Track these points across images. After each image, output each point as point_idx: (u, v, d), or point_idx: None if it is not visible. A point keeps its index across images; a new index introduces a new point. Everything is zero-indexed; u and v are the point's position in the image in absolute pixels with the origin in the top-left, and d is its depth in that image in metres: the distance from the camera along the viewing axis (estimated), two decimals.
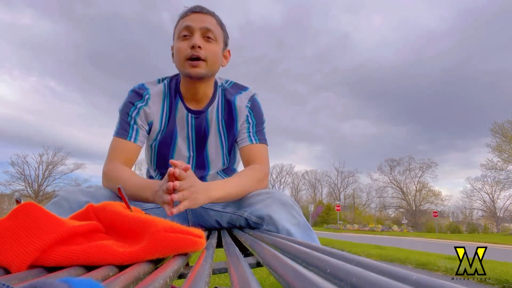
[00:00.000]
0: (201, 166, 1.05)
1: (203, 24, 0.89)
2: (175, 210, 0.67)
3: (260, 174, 0.94)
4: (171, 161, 0.69)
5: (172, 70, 1.02)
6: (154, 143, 1.01)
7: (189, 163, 1.03)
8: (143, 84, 0.96)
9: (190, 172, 0.73)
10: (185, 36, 0.89)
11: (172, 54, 0.97)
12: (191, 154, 1.03)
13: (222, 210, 0.95)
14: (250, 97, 1.01)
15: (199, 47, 0.87)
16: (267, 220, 0.79)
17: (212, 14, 0.93)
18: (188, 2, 0.97)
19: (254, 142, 0.99)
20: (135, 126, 0.93)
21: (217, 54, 0.92)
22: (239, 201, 0.91)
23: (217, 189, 0.79)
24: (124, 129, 0.92)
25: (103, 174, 0.89)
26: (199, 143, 1.02)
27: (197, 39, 0.87)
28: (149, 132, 0.98)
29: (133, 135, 0.92)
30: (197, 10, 0.91)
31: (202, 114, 0.99)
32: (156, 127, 0.96)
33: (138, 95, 0.94)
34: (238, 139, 1.02)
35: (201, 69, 0.89)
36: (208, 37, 0.90)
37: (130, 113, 0.92)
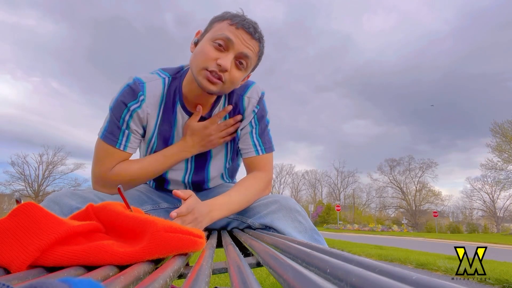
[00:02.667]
0: (200, 176, 1.00)
1: (244, 50, 0.79)
2: None
3: (262, 183, 0.91)
4: (174, 192, 0.69)
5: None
6: (148, 149, 0.93)
7: (186, 174, 0.98)
8: (139, 79, 0.84)
9: (193, 200, 0.70)
10: (219, 45, 0.78)
11: (195, 43, 0.85)
12: (189, 164, 0.96)
13: None
14: (259, 100, 0.93)
15: (226, 70, 0.78)
16: (270, 227, 0.79)
17: (260, 41, 0.83)
18: (242, 3, 0.87)
19: (260, 153, 0.94)
20: (126, 131, 0.84)
21: (238, 81, 0.83)
22: None
23: (220, 208, 0.77)
24: (113, 133, 0.83)
25: (96, 179, 0.85)
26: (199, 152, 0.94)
27: (229, 61, 0.77)
28: (143, 135, 0.90)
29: (123, 142, 0.84)
30: (250, 31, 0.79)
31: (205, 119, 0.91)
32: (149, 132, 0.88)
33: (133, 93, 0.83)
34: (241, 147, 0.96)
35: (215, 88, 0.80)
36: (241, 63, 0.80)
37: (122, 116, 0.83)
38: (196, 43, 0.84)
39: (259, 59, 0.87)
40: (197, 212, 0.68)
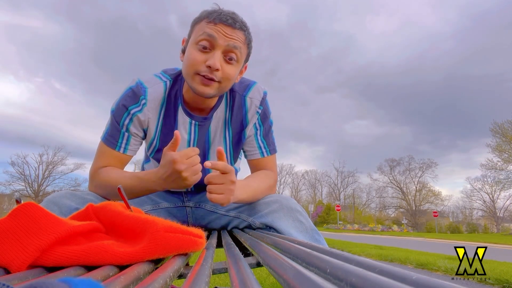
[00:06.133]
0: (202, 178, 1.01)
1: (229, 42, 0.77)
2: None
3: (272, 180, 0.92)
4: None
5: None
6: (149, 152, 0.94)
7: None
8: (141, 83, 0.85)
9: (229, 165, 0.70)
10: (204, 47, 0.76)
11: (183, 51, 0.84)
12: None
13: (225, 213, 0.93)
14: (262, 100, 0.92)
15: (217, 69, 0.76)
16: (270, 227, 0.79)
17: (244, 29, 0.80)
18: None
19: (265, 155, 0.95)
20: (126, 134, 0.84)
21: (233, 76, 0.81)
22: (244, 205, 0.89)
23: (242, 189, 0.77)
24: (113, 136, 0.84)
25: (90, 178, 0.85)
26: (201, 153, 0.93)
27: (217, 60, 0.76)
28: (144, 137, 0.90)
29: (123, 145, 0.85)
30: (229, 23, 0.76)
31: (206, 121, 0.90)
32: (151, 134, 0.88)
33: (134, 96, 0.83)
34: (246, 149, 0.96)
35: (211, 90, 0.79)
36: (230, 58, 0.78)
37: (122, 120, 0.83)
38: (183, 51, 0.84)
39: (249, 48, 0.84)
40: (233, 177, 0.70)
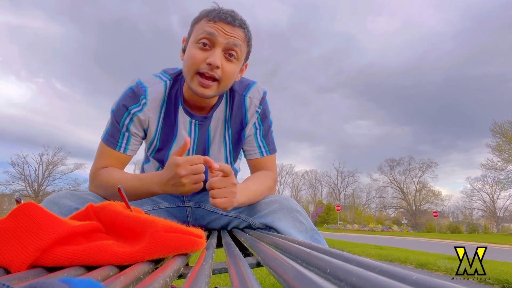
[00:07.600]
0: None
1: (229, 40, 0.77)
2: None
3: (272, 180, 0.92)
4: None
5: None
6: (149, 152, 0.94)
7: None
8: (141, 83, 0.84)
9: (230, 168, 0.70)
10: (204, 44, 0.77)
11: (183, 50, 0.84)
12: None
13: (225, 214, 0.93)
14: (261, 100, 0.92)
15: (217, 67, 0.76)
16: (270, 227, 0.78)
17: (243, 27, 0.80)
18: None
19: (265, 154, 0.95)
20: (126, 134, 0.84)
21: (234, 74, 0.81)
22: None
23: (241, 192, 0.76)
24: (114, 136, 0.84)
25: (90, 177, 0.85)
26: (200, 153, 0.94)
27: (217, 57, 0.76)
28: (144, 137, 0.90)
29: (123, 145, 0.85)
30: (228, 21, 0.77)
31: (207, 120, 0.90)
32: (151, 134, 0.88)
33: (134, 96, 0.83)
34: (245, 149, 0.96)
35: (211, 90, 0.79)
36: (230, 55, 0.79)
37: (122, 120, 0.83)
38: (184, 50, 0.84)
39: (249, 46, 0.84)
40: (234, 179, 0.70)
